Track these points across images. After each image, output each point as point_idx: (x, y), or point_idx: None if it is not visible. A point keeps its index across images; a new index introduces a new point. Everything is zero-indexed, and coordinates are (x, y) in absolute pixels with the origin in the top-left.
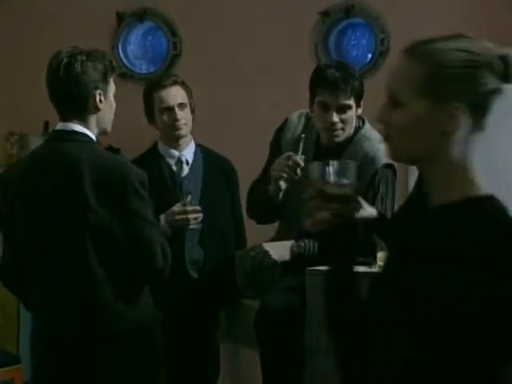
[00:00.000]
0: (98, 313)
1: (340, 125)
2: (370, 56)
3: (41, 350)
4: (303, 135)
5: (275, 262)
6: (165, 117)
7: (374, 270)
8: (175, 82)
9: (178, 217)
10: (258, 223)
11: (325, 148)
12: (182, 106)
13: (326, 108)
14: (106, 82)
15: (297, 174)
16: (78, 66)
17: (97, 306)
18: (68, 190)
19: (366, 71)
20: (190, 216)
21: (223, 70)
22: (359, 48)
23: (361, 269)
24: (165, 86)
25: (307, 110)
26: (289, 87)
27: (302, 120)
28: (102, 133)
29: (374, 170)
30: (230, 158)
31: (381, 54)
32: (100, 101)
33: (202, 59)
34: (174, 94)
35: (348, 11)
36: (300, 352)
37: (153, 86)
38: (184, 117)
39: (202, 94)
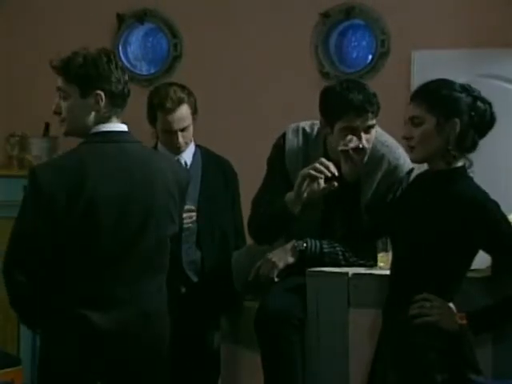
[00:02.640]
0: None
1: (366, 145)
2: (370, 57)
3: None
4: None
5: (280, 271)
6: (166, 136)
7: (375, 271)
8: (181, 102)
9: None
10: (262, 243)
11: (336, 161)
12: (184, 129)
13: (352, 132)
14: None
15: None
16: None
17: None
18: (160, 191)
19: (366, 72)
20: (184, 215)
21: (223, 71)
22: (359, 49)
23: (362, 270)
24: (169, 111)
25: (301, 124)
26: (289, 88)
27: (300, 137)
28: None
29: (397, 178)
30: (230, 159)
31: (381, 56)
32: None
33: (203, 60)
34: (179, 119)
35: (348, 12)
36: (301, 353)
37: (157, 104)
38: (185, 137)
39: (202, 95)
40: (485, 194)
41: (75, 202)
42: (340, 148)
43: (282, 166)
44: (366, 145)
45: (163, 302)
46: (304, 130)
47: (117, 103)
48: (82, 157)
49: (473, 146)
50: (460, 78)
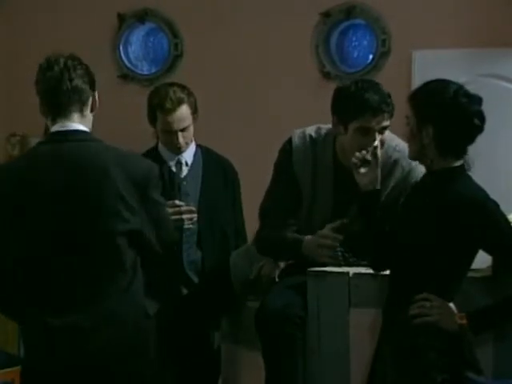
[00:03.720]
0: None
1: (380, 147)
2: (371, 57)
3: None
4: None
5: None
6: (166, 136)
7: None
8: (180, 102)
9: (173, 217)
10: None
11: (346, 167)
12: (184, 129)
13: (367, 132)
14: (95, 89)
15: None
16: (81, 65)
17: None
18: (101, 191)
19: (367, 72)
20: (185, 216)
21: (224, 70)
22: (360, 49)
23: (362, 270)
24: (169, 111)
25: (307, 130)
26: (290, 88)
27: (308, 143)
28: None
29: (410, 182)
30: (230, 159)
31: (382, 55)
32: (96, 102)
33: (203, 60)
34: (179, 119)
35: (349, 12)
36: (301, 352)
37: (157, 105)
38: (185, 136)
39: (202, 95)
40: (484, 194)
41: (19, 203)
42: (353, 161)
43: (290, 173)
44: (380, 147)
45: (131, 304)
46: (310, 136)
47: (53, 102)
48: (24, 158)
49: (460, 150)
50: (460, 78)
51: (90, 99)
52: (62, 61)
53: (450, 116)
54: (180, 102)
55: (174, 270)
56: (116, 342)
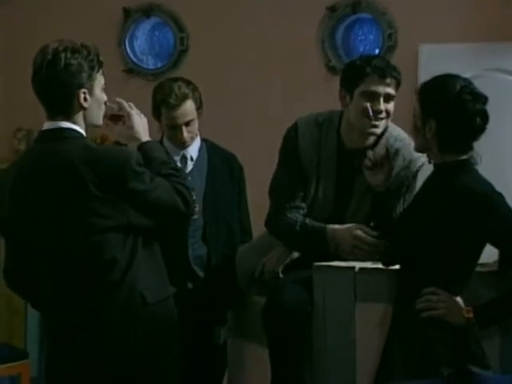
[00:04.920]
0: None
1: (384, 114)
2: (377, 51)
3: (51, 347)
4: None
5: (285, 266)
6: (171, 131)
7: (381, 265)
8: (185, 98)
9: None
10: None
11: (349, 151)
12: (189, 122)
13: (372, 97)
14: (91, 78)
15: None
16: (60, 65)
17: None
18: (71, 191)
19: None
20: None
21: (230, 65)
22: (366, 43)
23: (368, 264)
24: (174, 106)
25: (312, 115)
26: (296, 82)
27: (314, 128)
28: (92, 126)
29: (411, 173)
30: (236, 153)
31: (388, 49)
32: (85, 99)
33: (209, 54)
34: (183, 114)
35: (355, 6)
36: (308, 348)
37: (161, 100)
38: (190, 131)
39: (208, 89)
40: (490, 187)
41: (4, 203)
42: (365, 162)
43: (296, 160)
44: (384, 115)
45: (125, 295)
46: (316, 120)
47: (41, 103)
48: (19, 157)
49: (463, 146)
50: (466, 72)
51: (76, 95)
52: (44, 58)
53: (451, 113)
54: (184, 98)
55: (180, 265)
56: (105, 339)
